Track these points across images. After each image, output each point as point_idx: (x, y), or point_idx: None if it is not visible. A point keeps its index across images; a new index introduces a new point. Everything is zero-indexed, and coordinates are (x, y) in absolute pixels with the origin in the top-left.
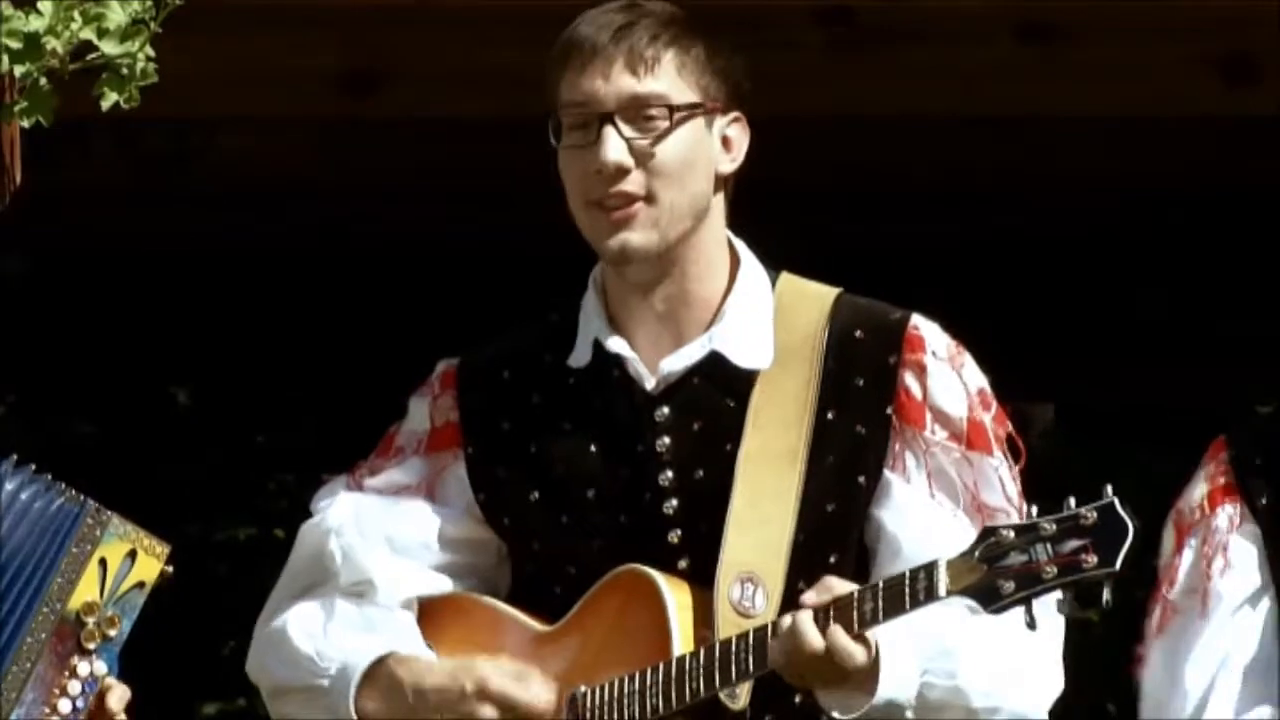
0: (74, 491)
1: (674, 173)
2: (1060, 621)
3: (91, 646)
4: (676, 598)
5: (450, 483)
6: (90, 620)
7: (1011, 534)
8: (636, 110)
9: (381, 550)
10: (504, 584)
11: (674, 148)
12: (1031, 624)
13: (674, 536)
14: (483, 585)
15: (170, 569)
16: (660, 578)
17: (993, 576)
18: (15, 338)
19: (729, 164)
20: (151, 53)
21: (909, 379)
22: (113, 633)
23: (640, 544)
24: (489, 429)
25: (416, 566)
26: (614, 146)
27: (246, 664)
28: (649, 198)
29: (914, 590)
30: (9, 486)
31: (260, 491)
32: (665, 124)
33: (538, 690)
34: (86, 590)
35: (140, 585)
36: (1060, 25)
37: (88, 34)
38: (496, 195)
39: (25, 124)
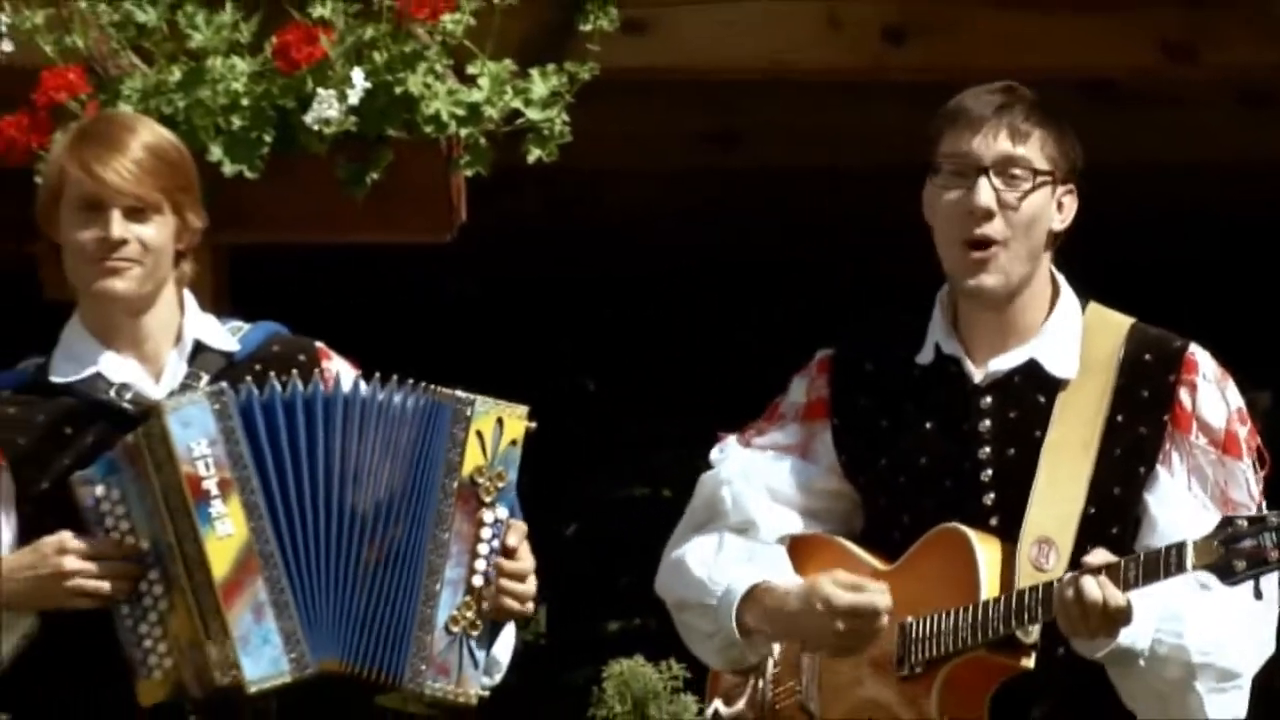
0: (435, 387)
1: (1026, 224)
2: (1276, 597)
3: (489, 499)
4: (986, 552)
5: (819, 445)
6: (482, 480)
7: (1245, 524)
8: (1007, 168)
9: (763, 497)
10: (857, 527)
11: (1029, 204)
12: (1258, 595)
13: (988, 500)
14: (840, 528)
15: (533, 425)
16: (973, 535)
17: (1229, 557)
18: (468, 343)
19: (1059, 224)
20: (566, 118)
21: (1183, 395)
22: (501, 484)
23: (961, 504)
24: (852, 406)
25: (789, 511)
26: (986, 193)
27: (655, 583)
28: (1004, 242)
29: (1166, 563)
30: (398, 399)
31: (651, 460)
32: (1028, 184)
33: (873, 592)
34: (473, 459)
35: (513, 442)
36: (1274, 92)
37: (517, 103)
38: (834, 231)
39: (468, 174)
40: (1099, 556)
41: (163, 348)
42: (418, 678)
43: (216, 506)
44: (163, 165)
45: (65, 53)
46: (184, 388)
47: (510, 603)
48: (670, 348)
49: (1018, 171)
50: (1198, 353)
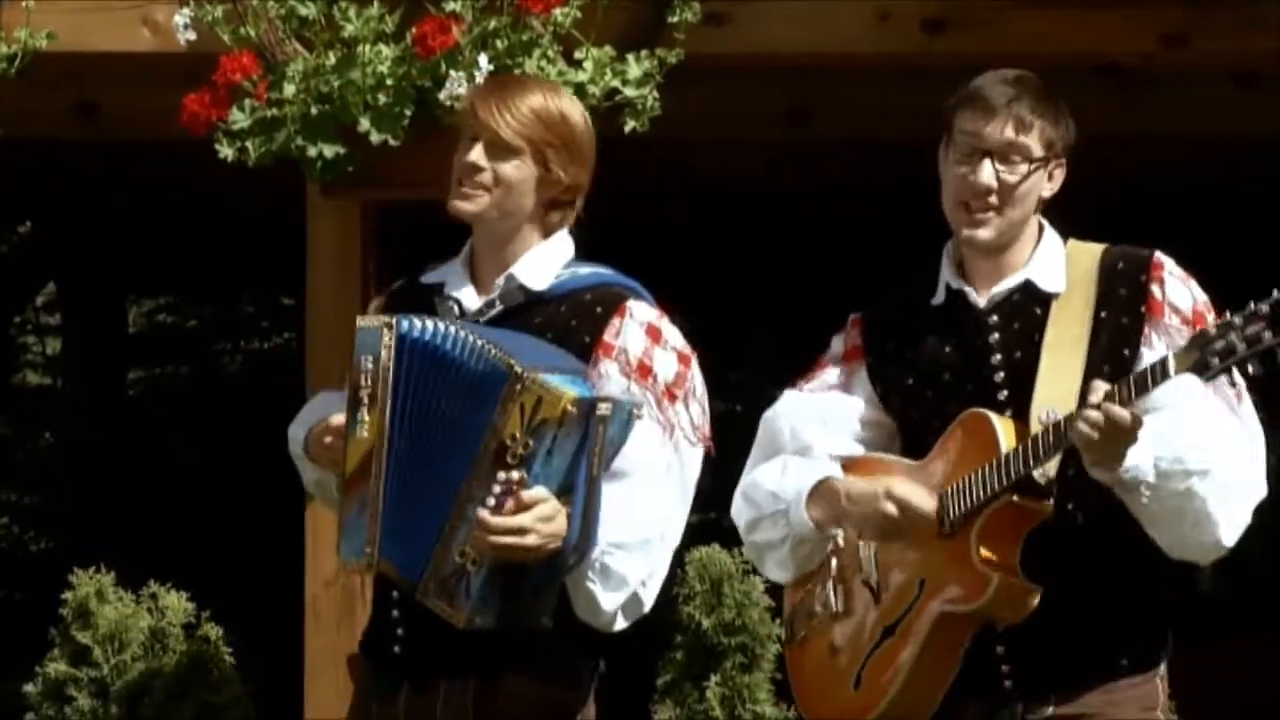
0: (503, 355)
1: (1018, 199)
2: (1260, 431)
3: (512, 461)
4: (1003, 427)
5: (858, 382)
6: (511, 444)
7: (1213, 329)
8: (1007, 153)
9: (816, 424)
10: (895, 454)
11: (1023, 185)
12: (1238, 381)
13: (1002, 396)
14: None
15: (572, 409)
16: (992, 414)
17: (1204, 357)
18: None
19: (1049, 190)
20: (656, 95)
21: (1154, 288)
22: (524, 452)
23: (980, 401)
24: (881, 347)
25: (839, 435)
26: (987, 174)
27: (731, 511)
28: (998, 210)
29: (1153, 375)
30: (475, 361)
31: (726, 381)
32: (1024, 168)
33: (925, 498)
34: (512, 425)
35: (544, 421)
36: (1262, 74)
37: (615, 83)
38: (887, 193)
39: None
40: (1095, 388)
41: (497, 276)
42: (422, 591)
43: (362, 413)
44: (537, 120)
45: (239, 40)
46: (478, 312)
47: (498, 552)
48: (743, 289)
49: (1017, 157)
50: (1162, 256)
